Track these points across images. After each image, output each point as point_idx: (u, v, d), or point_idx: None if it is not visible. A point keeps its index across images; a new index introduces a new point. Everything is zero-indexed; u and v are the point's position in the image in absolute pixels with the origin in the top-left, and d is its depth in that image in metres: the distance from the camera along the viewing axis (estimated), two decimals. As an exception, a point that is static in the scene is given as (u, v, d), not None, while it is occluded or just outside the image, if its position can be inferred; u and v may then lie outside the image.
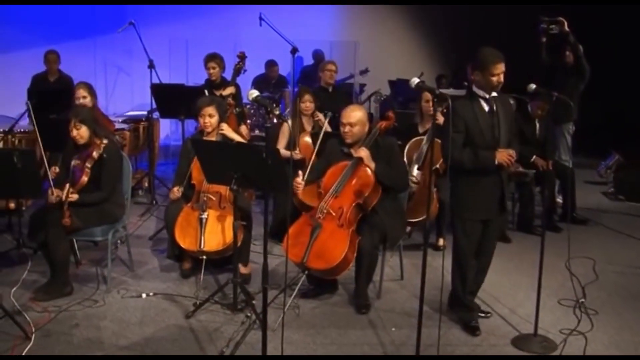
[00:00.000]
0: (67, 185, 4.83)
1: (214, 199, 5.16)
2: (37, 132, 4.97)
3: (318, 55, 11.08)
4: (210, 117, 5.37)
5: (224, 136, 5.45)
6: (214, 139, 5.38)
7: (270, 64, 10.30)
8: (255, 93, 4.06)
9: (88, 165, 4.93)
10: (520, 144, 6.72)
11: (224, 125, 5.49)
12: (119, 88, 11.00)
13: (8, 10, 10.28)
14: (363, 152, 4.91)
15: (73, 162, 4.98)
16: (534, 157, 6.86)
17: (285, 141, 6.45)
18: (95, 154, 4.95)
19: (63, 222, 4.71)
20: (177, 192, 5.35)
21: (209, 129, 5.39)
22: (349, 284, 5.12)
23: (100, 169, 5.00)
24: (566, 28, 7.24)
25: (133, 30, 7.94)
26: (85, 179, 4.92)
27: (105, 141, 5.04)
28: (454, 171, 4.31)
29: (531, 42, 7.62)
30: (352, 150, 5.01)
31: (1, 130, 6.60)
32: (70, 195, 4.79)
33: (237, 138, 5.49)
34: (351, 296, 5.02)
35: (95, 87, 6.54)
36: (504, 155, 4.31)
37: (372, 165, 4.89)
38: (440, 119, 5.32)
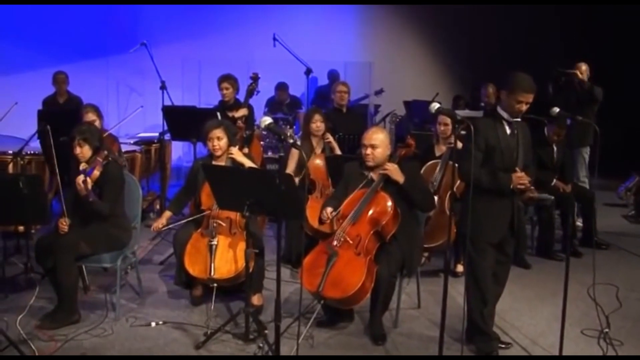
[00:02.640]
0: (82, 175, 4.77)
1: (224, 224, 5.03)
2: (55, 155, 4.91)
3: (333, 75, 10.90)
4: (218, 139, 5.26)
5: (233, 160, 5.33)
6: (223, 163, 5.27)
7: (280, 87, 10.00)
8: (268, 120, 3.95)
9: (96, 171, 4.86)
10: (538, 169, 6.64)
11: (234, 149, 5.37)
12: (131, 109, 10.94)
13: (19, 31, 10.28)
14: (391, 166, 4.79)
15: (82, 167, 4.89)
16: (554, 180, 6.75)
17: (294, 165, 6.34)
18: (97, 172, 4.84)
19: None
20: (160, 225, 5.26)
21: (219, 152, 5.28)
22: (365, 313, 4.94)
23: (102, 189, 4.88)
24: (579, 76, 7.35)
25: (145, 50, 7.89)
26: (97, 172, 4.82)
27: (105, 161, 4.91)
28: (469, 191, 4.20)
29: (549, 67, 7.56)
30: (372, 174, 4.87)
31: (11, 152, 6.55)
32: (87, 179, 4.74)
33: (247, 162, 5.35)
34: (367, 325, 4.86)
35: (107, 108, 6.46)
36: (520, 179, 4.24)
37: (402, 178, 4.76)
38: (459, 145, 5.18)
